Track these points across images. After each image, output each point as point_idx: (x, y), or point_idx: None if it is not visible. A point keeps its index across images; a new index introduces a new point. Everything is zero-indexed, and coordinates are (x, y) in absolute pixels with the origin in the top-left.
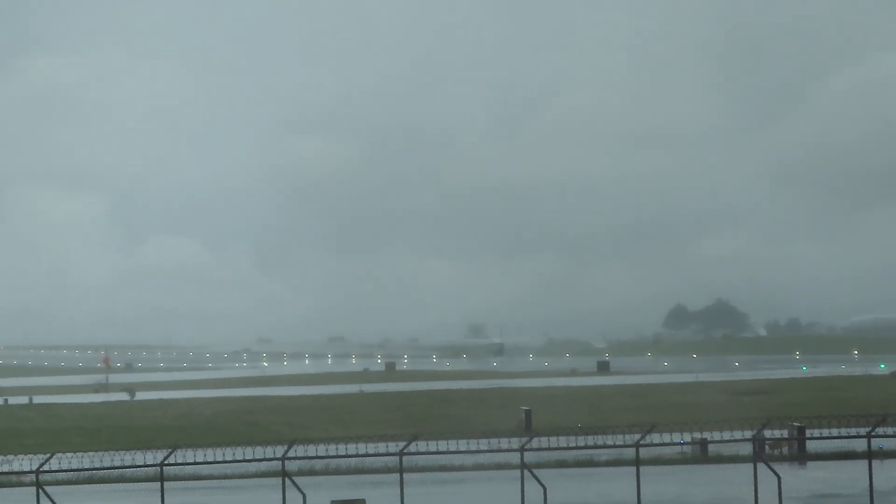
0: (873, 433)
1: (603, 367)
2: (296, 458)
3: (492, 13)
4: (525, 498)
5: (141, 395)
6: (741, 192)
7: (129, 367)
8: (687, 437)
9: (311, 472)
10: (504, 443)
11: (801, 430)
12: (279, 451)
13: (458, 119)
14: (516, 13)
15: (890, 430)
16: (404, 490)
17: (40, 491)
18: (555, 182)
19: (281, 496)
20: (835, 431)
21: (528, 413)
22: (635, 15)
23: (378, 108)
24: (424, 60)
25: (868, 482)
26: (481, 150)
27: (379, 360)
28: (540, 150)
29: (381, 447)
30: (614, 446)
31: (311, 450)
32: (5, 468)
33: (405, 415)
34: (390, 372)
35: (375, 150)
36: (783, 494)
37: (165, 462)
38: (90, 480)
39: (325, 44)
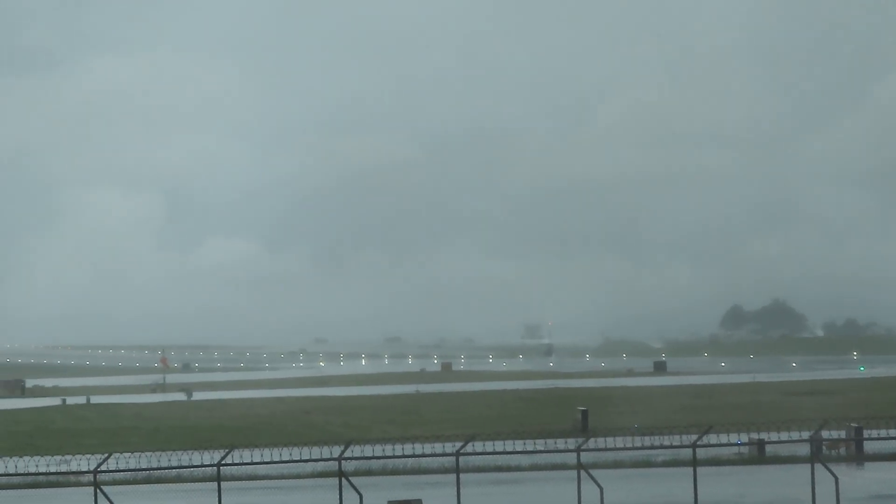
0: None
1: (660, 368)
2: (352, 458)
3: (550, 12)
4: (582, 498)
5: (198, 395)
6: (798, 192)
7: (186, 368)
8: (744, 438)
9: (368, 473)
10: (560, 443)
11: (859, 431)
12: (336, 451)
13: (515, 118)
14: (574, 11)
15: None
16: (461, 490)
17: (98, 491)
18: (612, 181)
19: (338, 496)
20: (893, 432)
21: (584, 413)
22: (694, 13)
23: (435, 107)
24: (482, 59)
25: None
26: (538, 149)
27: (435, 361)
28: (597, 149)
29: (438, 447)
30: (671, 447)
31: (368, 450)
32: (63, 468)
33: (462, 415)
34: (447, 372)
35: (432, 150)
36: (841, 495)
37: (222, 462)
38: (147, 480)
39: (382, 42)
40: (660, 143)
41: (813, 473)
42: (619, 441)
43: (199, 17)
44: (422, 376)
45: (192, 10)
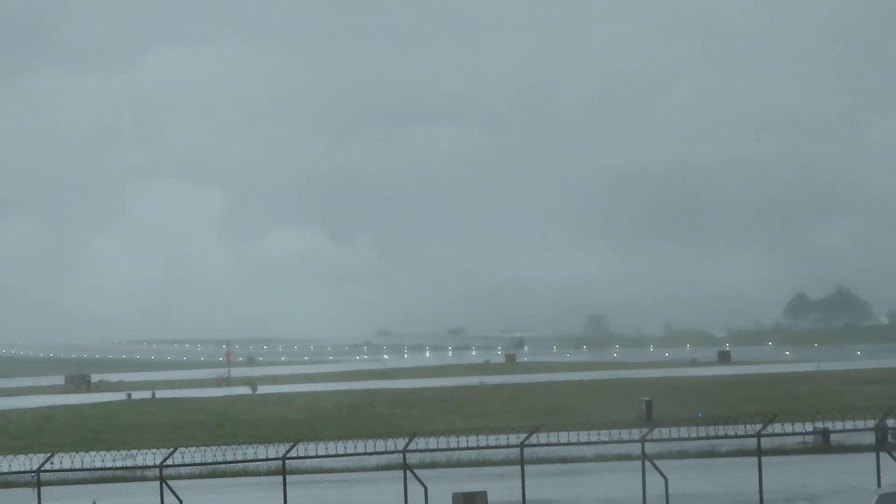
0: None
1: (724, 357)
2: (417, 450)
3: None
4: (646, 489)
5: (262, 389)
6: (863, 178)
7: (250, 361)
8: (809, 427)
9: (433, 465)
10: (625, 434)
11: None
12: (400, 443)
13: (579, 106)
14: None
15: None
16: (525, 481)
17: (164, 485)
18: (675, 169)
19: (402, 488)
20: None
21: (648, 404)
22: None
23: (500, 97)
24: (547, 49)
25: None
26: (602, 137)
27: (499, 352)
28: (660, 137)
29: (502, 439)
30: (735, 436)
31: (433, 442)
32: (129, 462)
33: (526, 406)
34: (511, 363)
35: (497, 139)
36: None
37: (287, 455)
38: (213, 474)
39: (448, 33)
40: (723, 130)
41: (878, 462)
42: (684, 431)
43: (264, 8)
44: (486, 368)
45: (257, 0)
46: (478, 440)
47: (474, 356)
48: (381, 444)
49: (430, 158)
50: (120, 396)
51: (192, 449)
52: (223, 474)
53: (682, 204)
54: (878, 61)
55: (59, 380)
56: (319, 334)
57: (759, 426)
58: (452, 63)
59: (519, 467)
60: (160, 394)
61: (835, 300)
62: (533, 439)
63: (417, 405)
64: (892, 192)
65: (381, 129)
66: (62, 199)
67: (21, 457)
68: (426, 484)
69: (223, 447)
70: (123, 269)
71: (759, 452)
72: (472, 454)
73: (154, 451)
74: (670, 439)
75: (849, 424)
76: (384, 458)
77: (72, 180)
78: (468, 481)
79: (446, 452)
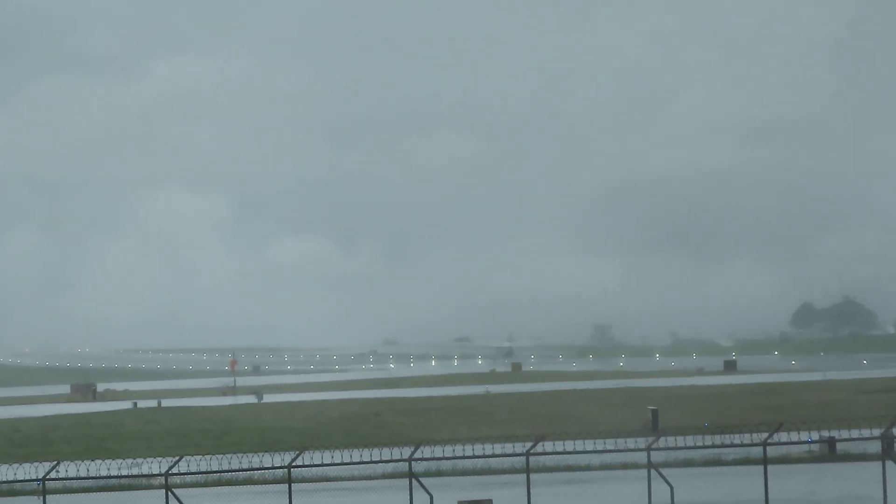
0: None
1: (730, 367)
2: (423, 458)
3: (616, 8)
4: (652, 497)
5: (268, 398)
6: (869, 187)
7: (256, 370)
8: (814, 436)
9: (438, 473)
10: (631, 442)
11: None
12: (406, 452)
13: (582, 115)
14: (639, 7)
15: None
16: (531, 490)
17: (169, 493)
18: (680, 177)
19: (408, 497)
20: None
21: (654, 413)
22: (762, 7)
23: (506, 105)
24: (551, 57)
25: None
26: (605, 146)
27: (505, 361)
28: (665, 146)
29: (508, 447)
30: (741, 445)
31: (438, 451)
32: (135, 471)
33: (531, 415)
34: (516, 373)
35: (503, 148)
36: None
37: (293, 464)
38: (218, 483)
39: (453, 41)
40: (729, 138)
41: (884, 471)
42: (690, 440)
43: (269, 18)
44: (491, 377)
45: (261, 9)
46: (483, 448)
47: (480, 365)
48: (386, 453)
49: (436, 166)
50: (126, 405)
51: (198, 457)
52: (228, 482)
53: (688, 213)
54: (883, 71)
55: (64, 389)
56: (325, 343)
57: (764, 435)
58: (457, 71)
59: (525, 476)
60: (166, 402)
61: (841, 309)
62: (539, 448)
63: (423, 414)
64: None
65: (386, 137)
66: (68, 207)
67: (27, 465)
68: (432, 492)
69: (229, 455)
70: (129, 278)
71: (765, 461)
72: (478, 462)
73: (160, 459)
74: (676, 448)
75: (855, 433)
76: (390, 467)
77: (78, 188)
78: (474, 490)
79: (452, 461)
